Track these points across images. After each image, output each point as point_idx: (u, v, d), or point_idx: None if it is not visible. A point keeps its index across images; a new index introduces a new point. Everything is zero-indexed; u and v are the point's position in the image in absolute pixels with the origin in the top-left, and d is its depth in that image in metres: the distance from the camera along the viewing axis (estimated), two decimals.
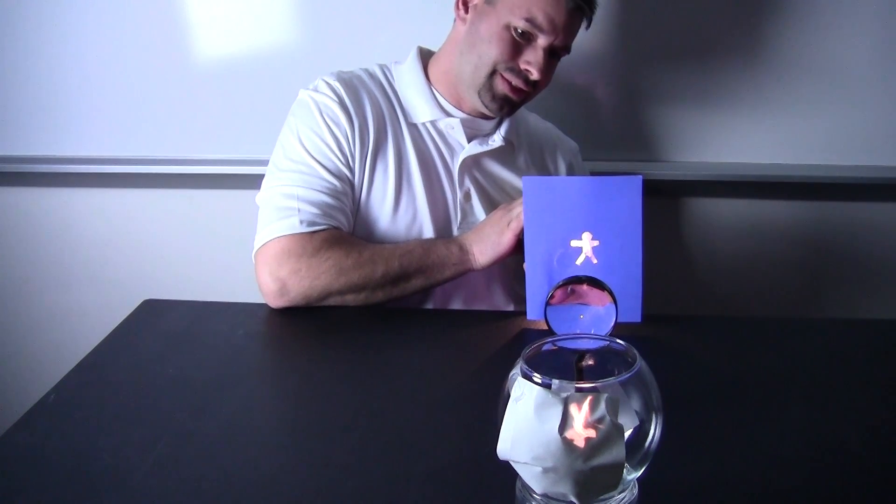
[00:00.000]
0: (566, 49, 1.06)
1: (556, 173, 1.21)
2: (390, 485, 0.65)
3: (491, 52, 1.03)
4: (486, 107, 1.07)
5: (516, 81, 1.04)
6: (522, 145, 1.18)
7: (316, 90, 1.09)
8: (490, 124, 1.14)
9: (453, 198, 1.11)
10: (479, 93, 1.06)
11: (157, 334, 0.95)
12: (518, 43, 1.03)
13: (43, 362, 1.56)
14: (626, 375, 0.54)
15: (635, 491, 0.59)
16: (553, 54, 1.05)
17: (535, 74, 1.03)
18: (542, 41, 1.02)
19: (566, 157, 1.23)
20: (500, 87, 1.05)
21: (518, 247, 0.99)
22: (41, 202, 1.52)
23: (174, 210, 1.51)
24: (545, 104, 1.32)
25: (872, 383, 0.83)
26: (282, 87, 1.21)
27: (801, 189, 1.40)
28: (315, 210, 1.02)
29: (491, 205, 1.12)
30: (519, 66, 1.03)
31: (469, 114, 1.12)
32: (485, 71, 1.04)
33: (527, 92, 1.06)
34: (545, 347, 0.60)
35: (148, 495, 0.64)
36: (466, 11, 1.08)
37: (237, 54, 1.38)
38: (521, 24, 1.01)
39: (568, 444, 0.51)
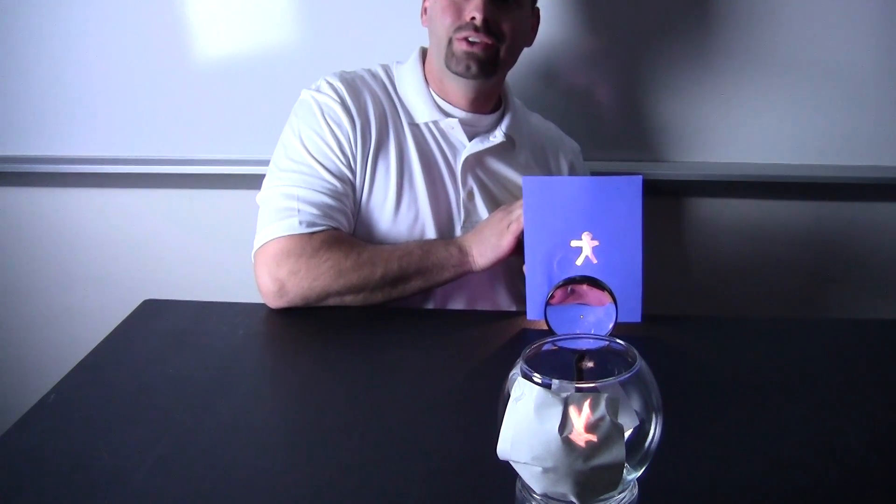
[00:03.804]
0: None
1: (558, 173, 1.21)
2: (390, 485, 0.65)
3: (442, 25, 1.05)
4: (456, 73, 1.07)
5: (468, 34, 1.04)
6: (524, 144, 1.18)
7: (318, 90, 1.09)
8: (490, 121, 1.14)
9: (456, 197, 1.11)
10: (447, 64, 1.07)
11: (157, 334, 0.95)
12: (460, 3, 1.04)
13: (43, 362, 1.56)
14: (626, 375, 0.54)
15: (635, 491, 0.59)
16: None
17: (478, 17, 1.03)
18: None
19: (568, 157, 1.23)
20: (458, 47, 1.05)
21: (518, 248, 0.99)
22: (41, 202, 1.52)
23: (174, 210, 1.51)
24: (546, 104, 1.32)
25: (872, 383, 0.83)
26: (282, 87, 1.21)
27: (801, 189, 1.39)
28: (315, 211, 1.02)
29: (494, 204, 1.12)
30: (466, 20, 1.04)
31: (464, 108, 1.12)
32: (444, 43, 1.06)
33: (488, 44, 1.05)
34: (545, 347, 0.60)
35: (148, 495, 0.64)
36: (426, 13, 1.13)
37: (237, 54, 1.38)
38: None
39: (568, 444, 0.51)
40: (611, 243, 0.92)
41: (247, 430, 0.75)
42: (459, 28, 1.04)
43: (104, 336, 0.94)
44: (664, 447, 0.57)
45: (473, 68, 1.06)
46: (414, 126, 1.11)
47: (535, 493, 0.56)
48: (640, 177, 0.90)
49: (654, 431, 0.56)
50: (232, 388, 0.83)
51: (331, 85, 1.09)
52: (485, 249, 1.03)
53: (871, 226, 1.43)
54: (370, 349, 0.92)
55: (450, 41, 1.06)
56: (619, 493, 0.57)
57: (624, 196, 0.91)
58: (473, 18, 1.03)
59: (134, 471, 0.67)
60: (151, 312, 1.01)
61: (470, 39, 1.04)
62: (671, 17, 1.31)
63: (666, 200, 1.44)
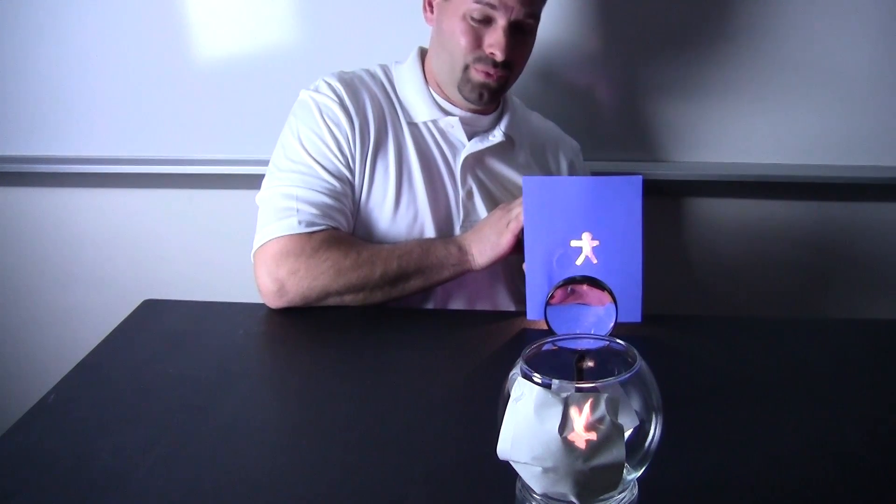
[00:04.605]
0: (533, 18, 1.04)
1: (558, 172, 1.21)
2: (390, 485, 0.65)
3: (458, 47, 1.04)
4: (468, 99, 1.08)
5: (487, 68, 1.04)
6: (524, 143, 1.18)
7: (317, 90, 1.09)
8: (489, 120, 1.14)
9: (455, 196, 1.11)
10: (459, 88, 1.07)
11: (157, 334, 0.95)
12: (479, 29, 1.03)
13: (43, 362, 1.56)
14: (626, 375, 0.54)
15: (635, 491, 0.59)
16: (519, 29, 1.04)
17: (499, 56, 1.02)
18: (500, 20, 1.01)
19: (567, 156, 1.23)
20: (476, 76, 1.05)
21: (518, 247, 0.99)
22: (41, 202, 1.52)
23: (174, 210, 1.51)
24: (546, 103, 1.32)
25: (872, 383, 0.83)
26: (282, 87, 1.21)
27: (801, 189, 1.39)
28: (314, 210, 1.02)
29: (493, 203, 1.12)
30: (485, 52, 1.03)
31: (465, 111, 1.12)
32: (459, 67, 1.05)
33: (502, 74, 1.05)
34: (545, 347, 0.60)
35: (148, 495, 0.64)
36: (432, 11, 1.10)
37: (237, 54, 1.38)
38: (475, 10, 1.01)
39: (568, 445, 0.51)
40: (611, 243, 0.92)
41: (247, 430, 0.75)
42: (478, 59, 1.04)
43: (104, 336, 0.94)
44: (664, 447, 0.57)
45: (486, 97, 1.07)
46: (413, 126, 1.11)
47: (535, 493, 0.56)
48: (640, 177, 0.90)
49: (654, 431, 0.56)
50: (232, 388, 0.83)
51: (329, 85, 1.09)
52: (484, 248, 1.03)
53: (871, 226, 1.43)
54: (370, 349, 0.92)
55: (465, 67, 1.05)
56: (619, 493, 0.57)
57: (624, 196, 0.91)
58: (493, 54, 1.02)
59: (134, 471, 0.67)
60: (151, 312, 1.01)
61: (487, 71, 1.04)
62: (671, 17, 1.31)
63: (666, 200, 1.44)
